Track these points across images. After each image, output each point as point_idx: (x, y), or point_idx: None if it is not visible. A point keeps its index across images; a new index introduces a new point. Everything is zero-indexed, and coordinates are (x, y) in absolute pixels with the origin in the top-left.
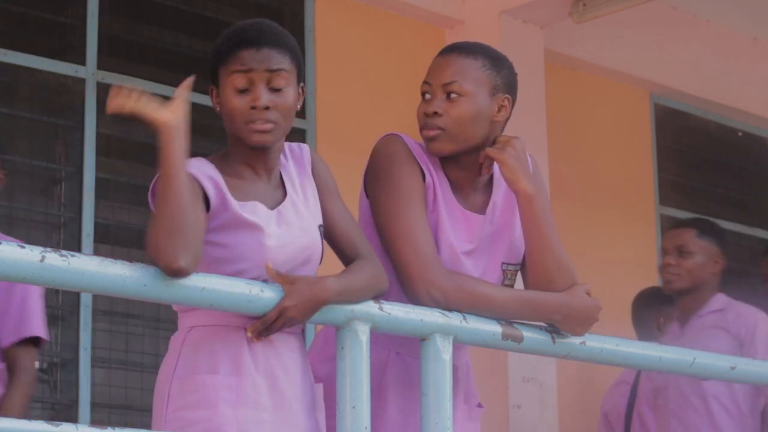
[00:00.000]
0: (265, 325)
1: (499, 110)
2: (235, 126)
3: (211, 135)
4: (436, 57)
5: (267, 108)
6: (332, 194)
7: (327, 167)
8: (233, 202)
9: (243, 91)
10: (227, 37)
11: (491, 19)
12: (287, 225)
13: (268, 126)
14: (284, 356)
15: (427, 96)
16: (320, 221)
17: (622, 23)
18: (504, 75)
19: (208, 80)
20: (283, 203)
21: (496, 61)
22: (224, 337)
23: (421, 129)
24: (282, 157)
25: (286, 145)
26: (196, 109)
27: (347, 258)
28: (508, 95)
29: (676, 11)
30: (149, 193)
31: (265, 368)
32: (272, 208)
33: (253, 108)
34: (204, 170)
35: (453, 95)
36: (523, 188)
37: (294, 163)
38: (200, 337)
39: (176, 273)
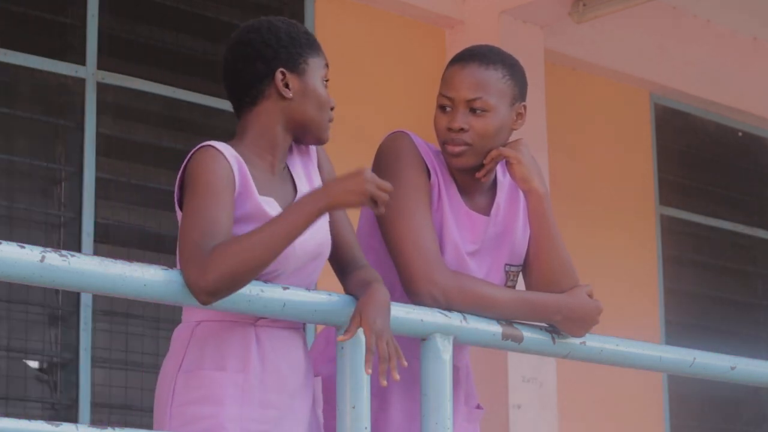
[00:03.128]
0: (372, 355)
1: (517, 118)
2: (320, 117)
3: (210, 135)
4: (454, 66)
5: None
6: None
7: (330, 162)
8: (257, 193)
9: None
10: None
11: (491, 19)
12: None
13: None
14: (290, 352)
15: (448, 109)
16: (328, 216)
17: (622, 23)
18: (520, 83)
19: (209, 80)
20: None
21: (513, 69)
22: (232, 333)
23: (444, 143)
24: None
25: None
26: (195, 108)
27: (341, 260)
28: (524, 103)
29: (676, 11)
30: (176, 197)
31: (272, 364)
32: (285, 204)
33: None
34: (234, 154)
35: (478, 111)
36: (536, 188)
37: (299, 156)
38: (208, 332)
39: (201, 295)
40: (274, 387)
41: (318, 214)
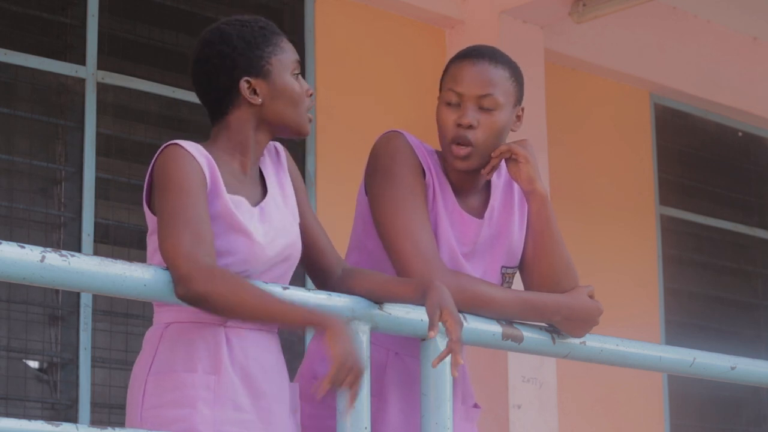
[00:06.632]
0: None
1: (516, 120)
2: (296, 112)
3: (209, 135)
4: (463, 62)
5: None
6: (305, 196)
7: (296, 167)
8: (225, 193)
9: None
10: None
11: (491, 19)
12: (270, 223)
13: None
14: (260, 355)
15: (455, 105)
16: (298, 219)
17: (622, 23)
18: (521, 86)
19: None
20: (265, 200)
21: (516, 71)
22: (202, 334)
23: (452, 141)
24: None
25: None
26: (195, 108)
27: (322, 265)
28: (522, 106)
29: (676, 11)
30: (145, 198)
31: (242, 367)
32: (254, 204)
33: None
34: (203, 153)
35: (487, 108)
36: (539, 189)
37: (270, 160)
38: (178, 334)
39: (180, 291)
40: (246, 390)
41: (297, 328)
